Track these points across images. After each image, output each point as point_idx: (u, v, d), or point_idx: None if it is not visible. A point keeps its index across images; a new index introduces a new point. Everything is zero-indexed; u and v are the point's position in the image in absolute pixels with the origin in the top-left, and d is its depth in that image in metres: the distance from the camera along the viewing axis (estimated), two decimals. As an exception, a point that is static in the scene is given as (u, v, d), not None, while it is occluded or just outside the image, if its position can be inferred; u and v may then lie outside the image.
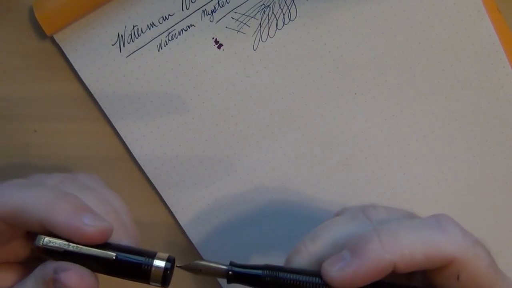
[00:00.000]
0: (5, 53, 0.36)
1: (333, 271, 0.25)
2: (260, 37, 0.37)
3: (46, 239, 0.26)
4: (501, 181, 0.39)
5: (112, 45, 0.36)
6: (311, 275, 0.26)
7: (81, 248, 0.26)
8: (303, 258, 0.27)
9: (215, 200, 0.38)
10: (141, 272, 0.26)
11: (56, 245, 0.26)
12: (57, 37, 0.36)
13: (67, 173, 0.32)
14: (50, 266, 0.26)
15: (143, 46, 0.36)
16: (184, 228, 0.38)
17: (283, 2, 0.36)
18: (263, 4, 0.36)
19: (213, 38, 0.37)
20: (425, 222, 0.26)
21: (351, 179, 0.38)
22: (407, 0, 0.37)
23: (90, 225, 0.25)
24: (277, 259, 0.40)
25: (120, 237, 0.27)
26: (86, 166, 0.38)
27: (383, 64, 0.37)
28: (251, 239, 0.39)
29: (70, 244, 0.26)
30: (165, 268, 0.26)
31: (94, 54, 0.36)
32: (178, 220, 0.38)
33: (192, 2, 0.36)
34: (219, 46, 0.37)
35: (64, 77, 0.37)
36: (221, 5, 0.36)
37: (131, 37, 0.36)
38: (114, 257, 0.26)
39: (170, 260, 0.27)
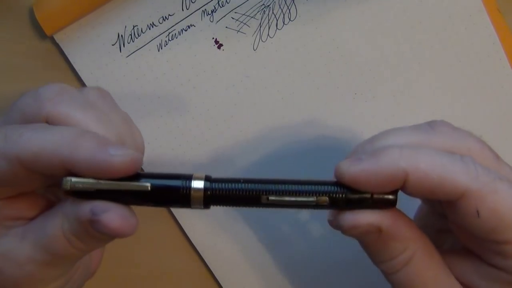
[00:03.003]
0: (6, 53, 0.36)
1: (344, 165, 0.24)
2: (260, 37, 0.37)
3: (74, 179, 0.23)
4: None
5: (112, 45, 0.36)
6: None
7: (112, 183, 0.23)
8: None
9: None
10: (181, 197, 0.24)
11: (86, 185, 0.23)
12: (57, 37, 0.36)
13: (71, 87, 0.28)
14: (86, 206, 0.23)
15: (143, 46, 0.36)
16: (184, 228, 0.38)
17: (283, 2, 0.36)
18: (263, 4, 0.36)
19: (213, 38, 0.37)
20: (450, 154, 0.25)
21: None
22: (407, 0, 0.37)
23: (117, 155, 0.23)
24: (277, 259, 0.40)
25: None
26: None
27: (383, 64, 0.37)
28: (251, 238, 0.39)
29: (100, 181, 0.23)
30: (205, 189, 0.24)
31: (94, 54, 0.36)
32: (178, 220, 0.38)
33: (192, 2, 0.36)
34: (219, 46, 0.37)
35: (64, 77, 0.37)
36: (221, 5, 0.36)
37: (131, 37, 0.36)
38: (149, 188, 0.24)
39: (209, 180, 0.24)
